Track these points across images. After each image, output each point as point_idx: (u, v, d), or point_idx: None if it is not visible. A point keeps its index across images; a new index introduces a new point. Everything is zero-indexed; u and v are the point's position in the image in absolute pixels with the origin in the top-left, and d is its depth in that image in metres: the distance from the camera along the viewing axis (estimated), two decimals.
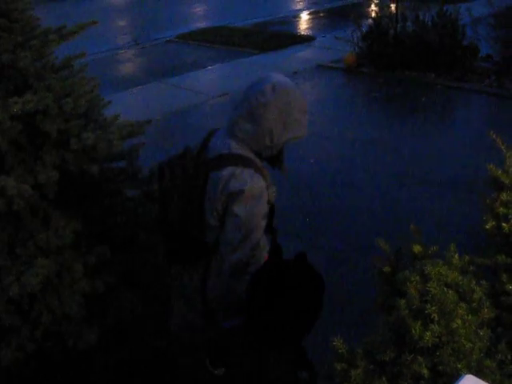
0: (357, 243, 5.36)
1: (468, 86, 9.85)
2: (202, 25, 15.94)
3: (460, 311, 1.48)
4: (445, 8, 10.66)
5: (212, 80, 11.02)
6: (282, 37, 13.51)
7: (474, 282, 1.65)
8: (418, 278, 1.61)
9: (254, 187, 2.43)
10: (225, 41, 13.36)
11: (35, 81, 3.06)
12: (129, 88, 10.51)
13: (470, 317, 1.53)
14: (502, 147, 1.69)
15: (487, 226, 1.75)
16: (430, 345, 1.46)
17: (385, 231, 4.46)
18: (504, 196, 1.73)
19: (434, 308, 1.48)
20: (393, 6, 11.27)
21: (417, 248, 1.77)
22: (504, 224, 1.72)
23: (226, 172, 2.46)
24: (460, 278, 1.63)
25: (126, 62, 13.06)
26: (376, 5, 12.86)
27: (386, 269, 1.80)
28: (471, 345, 1.48)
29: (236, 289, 2.44)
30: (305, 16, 17.47)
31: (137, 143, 3.48)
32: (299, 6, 19.31)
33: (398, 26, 10.79)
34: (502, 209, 1.72)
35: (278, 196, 2.62)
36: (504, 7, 10.59)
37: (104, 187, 3.27)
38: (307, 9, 18.41)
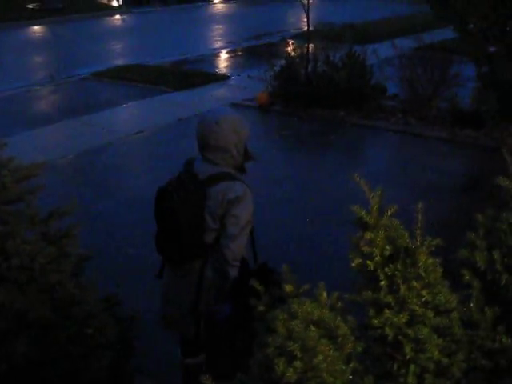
0: None
1: (376, 123, 10.25)
2: (118, 62, 15.93)
3: (321, 347, 1.56)
4: (353, 49, 11.11)
5: (127, 118, 11.04)
6: (197, 75, 13.68)
7: (340, 318, 1.73)
8: (285, 316, 1.68)
9: (245, 193, 3.40)
10: (140, 79, 13.38)
11: None
12: (41, 126, 10.36)
13: (332, 352, 1.61)
14: (365, 188, 1.80)
15: (353, 264, 1.85)
16: (293, 380, 1.53)
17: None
18: (368, 235, 1.84)
19: (296, 345, 1.55)
20: (305, 47, 11.67)
21: (288, 287, 1.85)
22: (368, 262, 1.82)
23: (221, 187, 3.34)
24: (327, 315, 1.72)
25: (39, 99, 12.88)
26: (289, 45, 13.24)
27: (260, 308, 1.87)
28: (333, 379, 1.56)
29: (230, 275, 3.33)
30: (221, 55, 17.78)
31: (35, 185, 3.45)
32: (216, 44, 19.63)
33: (310, 65, 11.17)
34: (366, 247, 1.83)
35: None
36: (407, 49, 11.14)
37: None
38: (224, 48, 18.75)
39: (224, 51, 18.18)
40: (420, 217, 1.96)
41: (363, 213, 1.86)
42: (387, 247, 1.87)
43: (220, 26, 24.57)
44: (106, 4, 31.45)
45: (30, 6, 27.63)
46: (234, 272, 3.33)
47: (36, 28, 24.35)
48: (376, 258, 1.85)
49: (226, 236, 3.35)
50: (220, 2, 33.97)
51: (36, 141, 9.30)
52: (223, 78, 13.65)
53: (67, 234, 3.51)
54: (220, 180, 3.35)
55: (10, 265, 3.21)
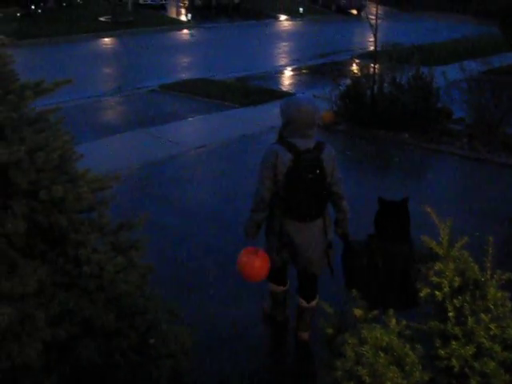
0: None
1: (440, 147, 10.12)
2: (185, 76, 16.26)
3: (390, 374, 1.58)
4: (420, 71, 11.01)
5: (191, 131, 11.22)
6: (262, 92, 13.82)
7: (408, 347, 1.75)
8: (355, 341, 1.71)
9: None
10: (206, 93, 13.62)
11: (10, 132, 3.16)
12: (109, 135, 10.65)
13: (400, 380, 1.62)
14: (436, 220, 1.81)
15: (422, 294, 1.86)
16: None
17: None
18: (438, 266, 1.85)
19: (365, 371, 1.58)
20: (371, 67, 11.65)
21: (358, 312, 1.87)
22: (437, 292, 1.83)
23: (328, 150, 4.46)
24: (395, 342, 1.74)
25: (108, 109, 13.24)
26: (355, 65, 13.23)
27: (329, 331, 1.90)
28: None
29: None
30: (286, 72, 17.90)
31: (107, 196, 3.57)
32: (281, 61, 19.80)
33: (375, 86, 11.13)
34: (435, 278, 1.84)
35: None
36: (475, 72, 10.98)
37: (71, 238, 3.35)
38: (289, 65, 18.89)
39: (289, 68, 18.30)
40: (490, 250, 1.96)
41: (433, 244, 1.87)
42: (456, 279, 1.87)
43: (285, 43, 24.76)
44: (174, 18, 32.18)
45: (102, 19, 28.54)
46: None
47: (107, 40, 25.06)
48: (445, 289, 1.86)
49: (339, 189, 4.58)
50: (286, 20, 34.26)
51: (102, 150, 9.56)
52: (287, 95, 13.72)
53: (135, 245, 3.63)
54: (324, 145, 4.44)
55: (80, 272, 3.33)
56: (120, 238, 3.61)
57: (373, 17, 11.79)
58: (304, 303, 4.80)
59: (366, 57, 16.50)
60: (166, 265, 5.80)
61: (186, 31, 28.57)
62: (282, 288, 4.95)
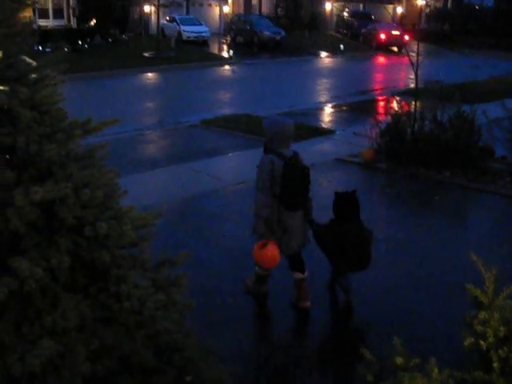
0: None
1: (482, 186, 9.99)
2: (226, 111, 16.45)
3: None
4: (461, 109, 10.94)
5: (231, 167, 11.31)
6: (302, 128, 13.83)
7: None
8: None
9: None
10: (246, 129, 13.73)
11: (58, 169, 3.24)
12: (150, 169, 10.81)
13: None
14: (482, 268, 1.79)
15: (466, 343, 1.83)
16: None
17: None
18: (482, 315, 1.82)
19: None
20: (412, 105, 11.63)
21: (399, 360, 1.85)
22: (482, 342, 1.80)
23: (301, 157, 5.81)
24: None
25: (149, 143, 13.46)
26: (396, 102, 13.22)
27: (369, 377, 1.88)
28: None
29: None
30: (326, 109, 17.98)
31: (149, 233, 3.61)
32: (322, 98, 19.90)
33: (416, 124, 11.09)
34: (479, 327, 1.81)
35: None
36: None
37: (113, 273, 3.39)
38: (329, 102, 18.98)
39: (329, 105, 18.38)
40: None
41: (478, 292, 1.85)
42: (501, 328, 1.84)
43: (326, 80, 24.92)
44: (217, 54, 32.72)
45: (146, 55, 29.20)
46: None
47: (150, 75, 25.60)
48: (489, 339, 1.82)
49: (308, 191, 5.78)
50: (327, 56, 34.51)
51: (144, 184, 9.70)
52: (328, 132, 13.77)
53: (176, 282, 3.65)
54: (298, 152, 5.75)
55: (121, 307, 3.36)
56: (161, 275, 3.64)
57: (414, 54, 11.81)
58: (300, 275, 5.94)
59: (407, 94, 16.49)
60: (203, 300, 5.80)
61: (227, 67, 29.01)
62: (266, 272, 6.06)
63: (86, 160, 3.45)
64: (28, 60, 3.72)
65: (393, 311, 6.00)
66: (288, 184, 5.51)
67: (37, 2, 28.40)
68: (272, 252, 5.53)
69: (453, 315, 5.00)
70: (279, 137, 5.62)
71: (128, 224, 3.16)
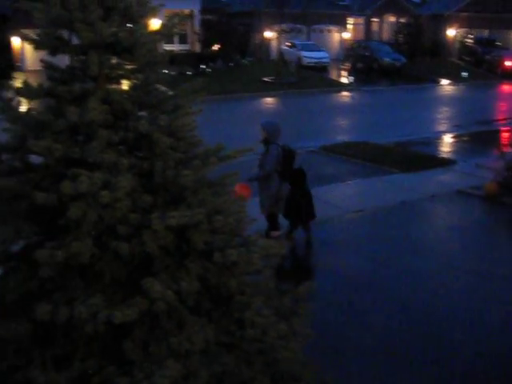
0: None
1: None
2: (345, 138, 16.39)
3: None
4: None
5: (350, 194, 11.20)
6: (422, 158, 13.57)
7: None
8: None
9: None
10: (365, 157, 13.61)
11: (191, 195, 3.33)
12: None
13: None
14: None
15: None
16: None
17: None
18: None
19: None
20: None
21: None
22: None
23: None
24: None
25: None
26: None
27: None
28: None
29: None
30: (447, 139, 17.50)
31: (274, 260, 3.63)
32: (442, 127, 19.40)
33: None
34: None
35: None
36: None
37: (237, 299, 3.43)
38: (450, 131, 18.45)
39: (450, 135, 17.86)
40: None
41: None
42: None
43: (446, 108, 24.31)
44: (336, 80, 32.79)
45: (266, 79, 29.74)
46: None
47: (269, 99, 26.00)
48: None
49: None
50: (448, 84, 33.70)
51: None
52: (448, 163, 13.36)
53: (297, 312, 3.64)
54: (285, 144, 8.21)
55: (243, 334, 3.39)
56: (283, 304, 3.65)
57: None
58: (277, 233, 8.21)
59: None
60: (317, 329, 5.76)
61: (346, 93, 28.97)
62: (278, 233, 8.18)
63: (218, 187, 3.53)
64: (162, 88, 3.88)
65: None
66: (286, 164, 7.98)
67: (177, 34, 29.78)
68: (245, 189, 6.91)
69: None
70: (276, 133, 7.98)
71: (256, 252, 3.19)
